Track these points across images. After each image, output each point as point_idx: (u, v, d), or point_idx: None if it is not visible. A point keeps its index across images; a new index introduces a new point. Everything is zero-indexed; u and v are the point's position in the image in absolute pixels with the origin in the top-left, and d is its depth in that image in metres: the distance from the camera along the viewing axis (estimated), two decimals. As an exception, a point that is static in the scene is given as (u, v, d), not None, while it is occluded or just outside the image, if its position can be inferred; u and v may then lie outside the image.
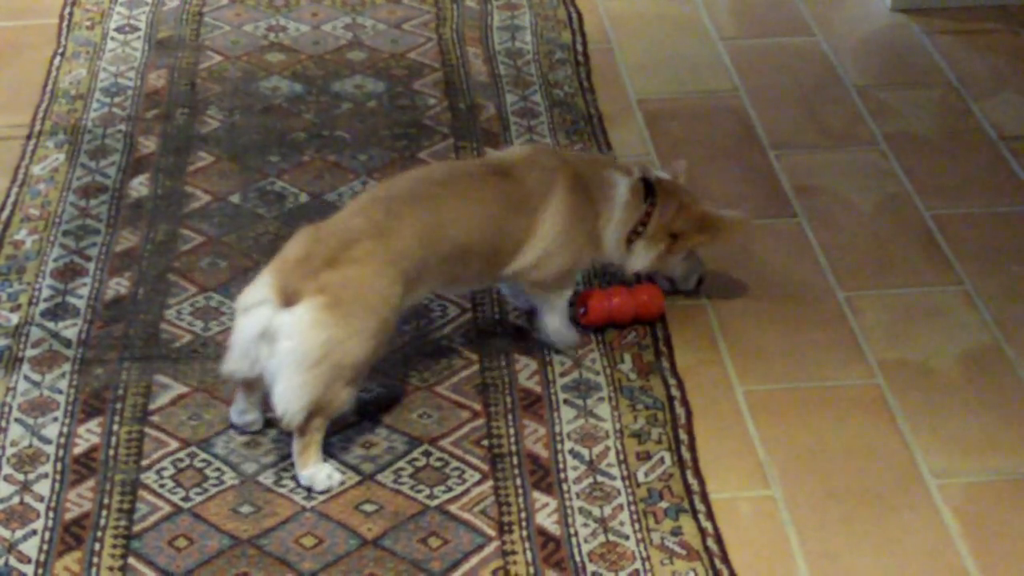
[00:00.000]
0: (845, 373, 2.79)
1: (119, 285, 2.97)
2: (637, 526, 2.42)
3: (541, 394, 2.70)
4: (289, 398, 2.41)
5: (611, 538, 2.40)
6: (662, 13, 3.98)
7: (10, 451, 2.56)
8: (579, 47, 3.81)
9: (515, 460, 2.55)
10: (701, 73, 3.75)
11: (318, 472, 2.47)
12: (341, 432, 2.60)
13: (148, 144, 3.42)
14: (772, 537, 2.42)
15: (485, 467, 2.54)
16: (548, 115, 3.55)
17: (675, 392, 2.70)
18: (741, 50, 3.82)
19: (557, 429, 2.62)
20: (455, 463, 2.55)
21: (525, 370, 2.75)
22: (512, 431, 2.61)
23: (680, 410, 2.66)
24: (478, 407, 2.67)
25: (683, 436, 2.60)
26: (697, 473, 2.53)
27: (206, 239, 3.12)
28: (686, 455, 2.57)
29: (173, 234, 3.13)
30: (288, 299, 2.41)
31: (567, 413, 2.65)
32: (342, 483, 2.50)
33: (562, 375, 2.74)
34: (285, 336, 2.40)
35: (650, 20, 3.95)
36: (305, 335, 2.40)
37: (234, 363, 2.47)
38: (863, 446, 2.62)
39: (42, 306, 2.91)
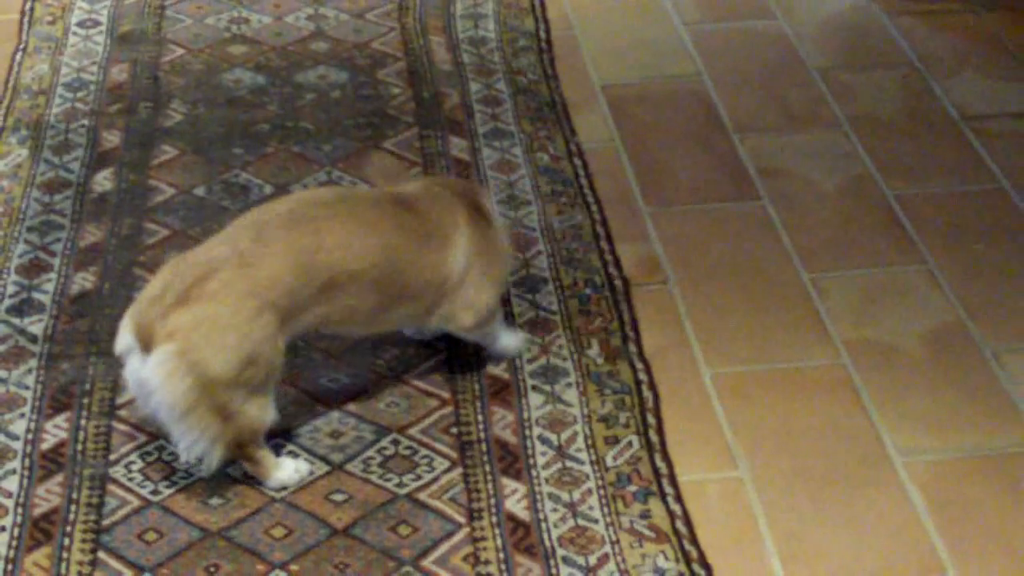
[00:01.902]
0: (810, 354, 2.81)
1: (85, 280, 2.96)
2: (606, 510, 2.43)
3: (509, 381, 2.70)
4: (189, 447, 2.37)
5: (580, 522, 2.41)
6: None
7: (-23, 448, 2.56)
8: (542, 34, 3.81)
9: (484, 447, 2.56)
10: (664, 58, 3.75)
11: (282, 473, 2.47)
12: (308, 423, 2.60)
13: (111, 138, 3.40)
14: (740, 518, 2.44)
15: (454, 454, 2.54)
16: (512, 102, 3.55)
17: (642, 376, 2.72)
18: (703, 34, 3.83)
19: (525, 415, 2.62)
20: (424, 451, 2.55)
21: (493, 356, 2.76)
22: (480, 418, 2.62)
23: (647, 394, 2.68)
24: (446, 395, 2.67)
25: (651, 420, 2.62)
26: (665, 456, 2.54)
27: (171, 232, 3.11)
28: (654, 438, 2.58)
29: (138, 228, 3.12)
30: (146, 344, 2.31)
31: (535, 399, 2.66)
32: (311, 472, 2.50)
33: (530, 361, 2.75)
34: (152, 389, 2.31)
35: (612, 6, 3.96)
36: (166, 388, 2.30)
37: (141, 410, 2.45)
38: (829, 426, 2.64)
39: (7, 302, 2.89)
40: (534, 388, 2.69)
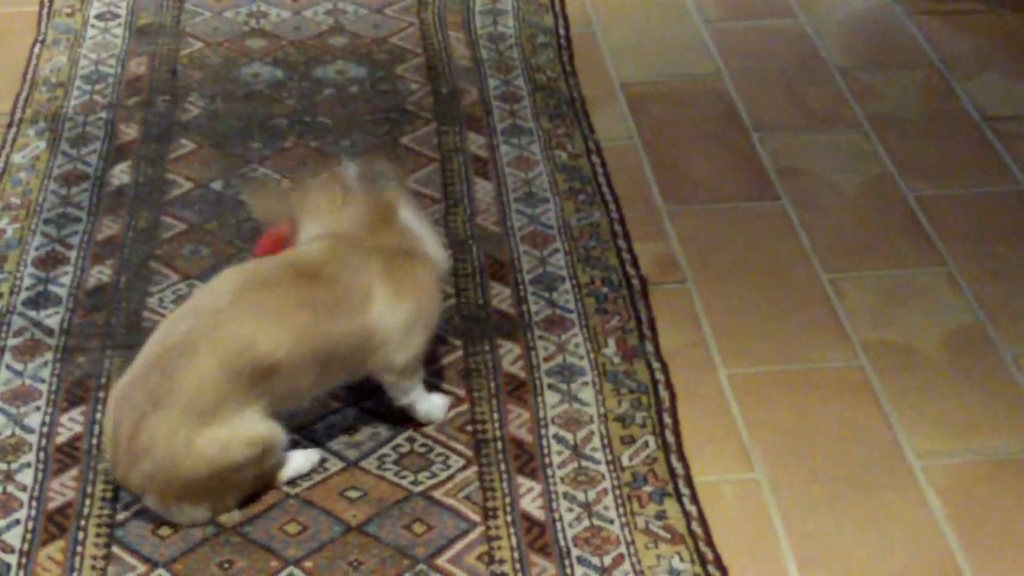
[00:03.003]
0: (829, 355, 2.79)
1: (101, 273, 2.96)
2: (622, 510, 2.42)
3: (525, 379, 2.69)
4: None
5: (596, 522, 2.40)
6: (644, -4, 3.99)
7: (-8, 441, 2.56)
8: (561, 31, 3.80)
9: (499, 445, 2.55)
10: (684, 56, 3.74)
11: (288, 469, 2.47)
12: (324, 419, 2.60)
13: (129, 131, 3.40)
14: (756, 520, 2.43)
15: (469, 453, 2.53)
16: (531, 99, 3.53)
17: (659, 376, 2.70)
18: (724, 32, 3.82)
19: (541, 414, 2.61)
20: (439, 449, 2.54)
21: (509, 355, 2.75)
22: (496, 416, 2.61)
23: (664, 394, 2.66)
24: (462, 393, 2.66)
25: (667, 420, 2.60)
26: (681, 457, 2.53)
27: (188, 227, 3.10)
28: (670, 439, 2.57)
29: (155, 222, 3.12)
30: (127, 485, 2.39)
31: (551, 398, 2.65)
32: (323, 462, 2.49)
33: (546, 360, 2.74)
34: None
35: (633, 3, 3.94)
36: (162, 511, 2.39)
37: None
38: (847, 428, 2.62)
39: (23, 295, 2.89)
40: (550, 387, 2.67)
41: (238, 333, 2.35)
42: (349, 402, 2.63)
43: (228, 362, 2.32)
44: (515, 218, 3.12)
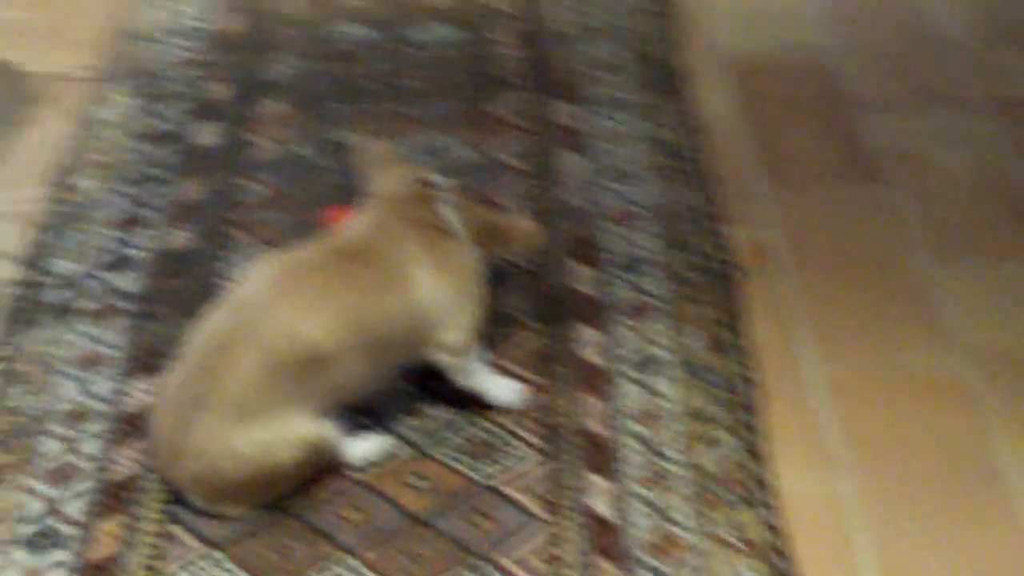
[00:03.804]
0: (928, 357, 2.63)
1: (180, 237, 2.91)
2: (695, 515, 2.31)
3: (603, 368, 2.58)
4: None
5: (667, 527, 2.29)
6: (756, -37, 3.81)
7: (60, 407, 2.52)
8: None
9: (572, 438, 2.45)
10: (798, 28, 3.57)
11: (356, 454, 2.40)
12: (395, 403, 2.52)
13: (218, 90, 3.34)
14: (838, 534, 2.30)
15: (541, 445, 2.44)
16: (630, 68, 3.40)
17: (745, 372, 2.58)
18: (845, 4, 3.63)
19: (618, 406, 2.50)
20: (511, 440, 2.45)
21: (588, 342, 2.64)
22: (571, 407, 2.51)
23: (750, 392, 2.54)
24: (539, 380, 2.57)
25: (751, 421, 2.48)
26: (762, 461, 2.41)
27: (271, 192, 3.04)
28: (752, 440, 2.44)
29: (237, 185, 3.06)
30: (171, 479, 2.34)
31: (629, 390, 2.54)
32: (392, 447, 2.42)
33: (628, 349, 2.62)
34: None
35: (743, -30, 3.78)
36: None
37: None
38: (944, 439, 2.46)
39: (103, 257, 2.86)
40: (629, 378, 2.56)
41: (279, 325, 2.26)
42: (425, 388, 2.55)
43: (270, 357, 2.24)
44: (604, 195, 3.01)
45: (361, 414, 2.45)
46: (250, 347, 2.25)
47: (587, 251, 2.85)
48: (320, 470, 2.35)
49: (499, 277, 2.78)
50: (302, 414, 2.30)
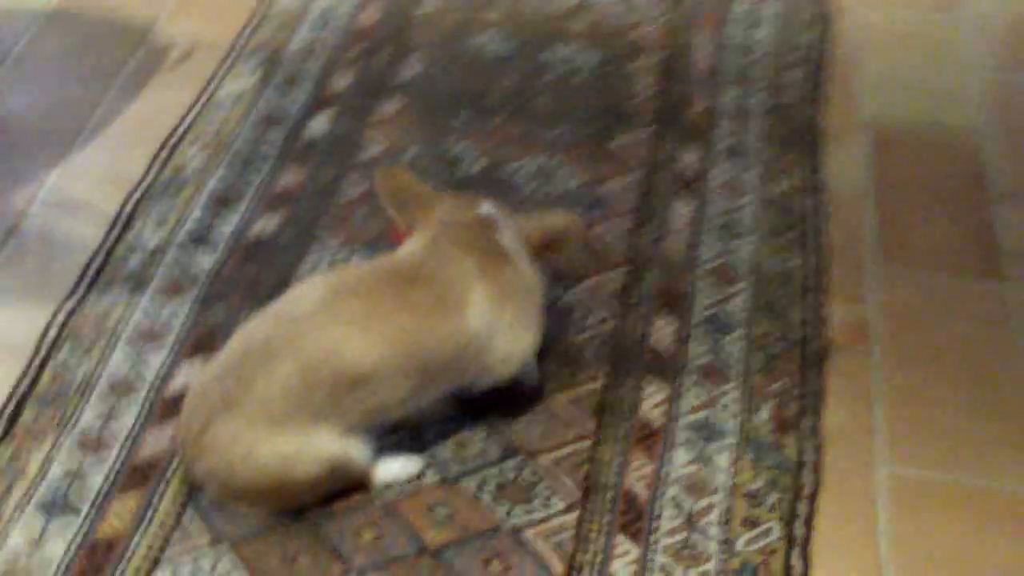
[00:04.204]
0: (1014, 477, 2.43)
1: (268, 223, 2.89)
2: (718, 600, 2.17)
3: (661, 427, 2.46)
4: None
5: (685, 607, 2.16)
6: (920, 32, 3.60)
7: (107, 375, 2.51)
8: (818, 53, 3.49)
9: (610, 495, 2.33)
10: (945, 103, 3.36)
11: (383, 474, 2.33)
12: (439, 425, 2.44)
13: (341, 82, 3.32)
14: (869, 648, 2.13)
15: (576, 494, 2.33)
16: (763, 120, 3.26)
17: (808, 457, 2.42)
18: (997, 85, 3.41)
19: (665, 471, 2.38)
20: (546, 483, 2.35)
21: (651, 398, 2.51)
22: (617, 462, 2.39)
23: (808, 478, 2.38)
24: (591, 426, 2.45)
25: (802, 509, 2.32)
26: (804, 555, 2.25)
27: (368, 191, 3.00)
28: (799, 532, 2.29)
29: (338, 180, 3.03)
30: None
31: (682, 455, 2.41)
32: (421, 473, 2.35)
33: (690, 412, 2.49)
34: None
35: (904, 37, 3.58)
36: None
37: None
38: (1016, 571, 2.27)
39: (188, 228, 2.85)
40: (686, 442, 2.43)
41: (321, 341, 2.21)
42: (467, 413, 2.47)
43: (307, 371, 2.19)
44: (705, 249, 2.87)
45: (397, 431, 2.38)
46: (289, 358, 2.20)
47: (674, 304, 2.72)
48: (342, 488, 2.29)
49: (573, 313, 2.68)
50: (331, 431, 2.24)
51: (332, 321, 2.23)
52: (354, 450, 2.27)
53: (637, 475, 2.37)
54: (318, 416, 2.22)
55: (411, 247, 2.38)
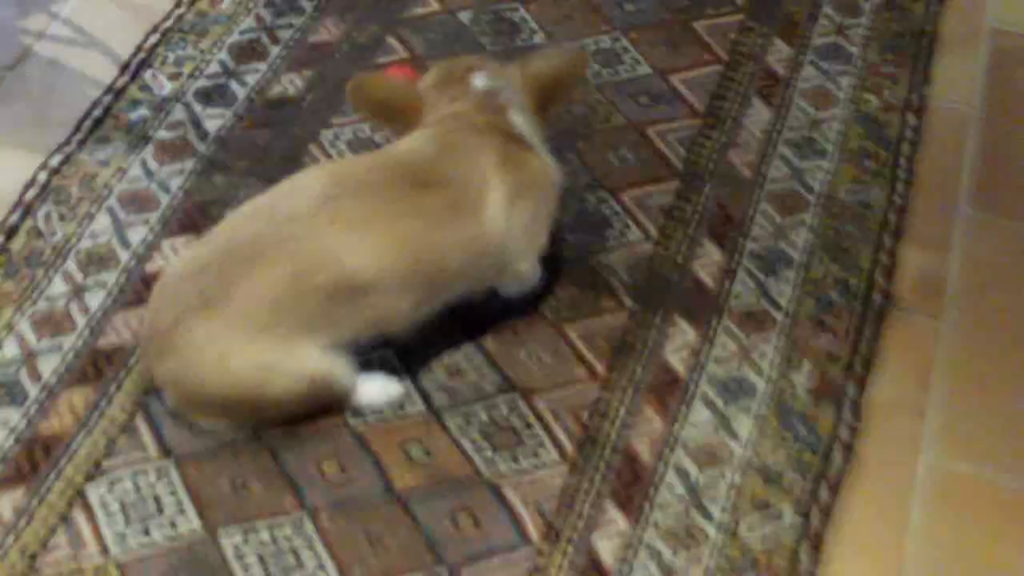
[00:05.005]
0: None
1: (292, 83, 2.61)
2: (706, 596, 1.92)
3: (681, 377, 2.17)
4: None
5: (666, 601, 1.91)
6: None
7: (84, 244, 2.29)
8: (948, -60, 3.05)
9: (607, 452, 2.06)
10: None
11: (359, 395, 2.08)
12: (434, 346, 2.18)
13: (402, -76, 2.98)
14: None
15: (569, 448, 2.07)
16: (870, 18, 2.85)
17: (843, 434, 2.12)
18: None
19: (675, 430, 2.10)
20: (539, 430, 2.09)
21: (676, 339, 2.22)
22: (622, 412, 2.12)
23: (837, 460, 2.08)
24: (600, 367, 2.18)
25: (823, 495, 2.04)
26: (816, 548, 1.97)
27: (410, 54, 2.69)
28: (814, 520, 2.01)
29: (379, 39, 2.72)
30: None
31: (698, 413, 2.12)
32: (401, 396, 2.10)
33: (717, 361, 2.20)
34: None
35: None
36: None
37: None
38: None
39: (200, 82, 2.59)
40: (704, 399, 2.15)
41: (318, 245, 1.95)
42: (469, 334, 2.20)
43: (300, 278, 1.94)
44: (774, 165, 2.53)
45: (384, 347, 2.13)
46: (280, 261, 1.95)
47: (726, 230, 2.40)
48: (318, 409, 2.06)
49: (608, 227, 2.38)
50: (316, 344, 1.99)
51: (331, 223, 1.98)
52: (339, 368, 2.03)
53: (643, 432, 2.09)
54: (305, 327, 1.98)
55: (416, 143, 2.11)
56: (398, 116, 2.14)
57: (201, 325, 1.95)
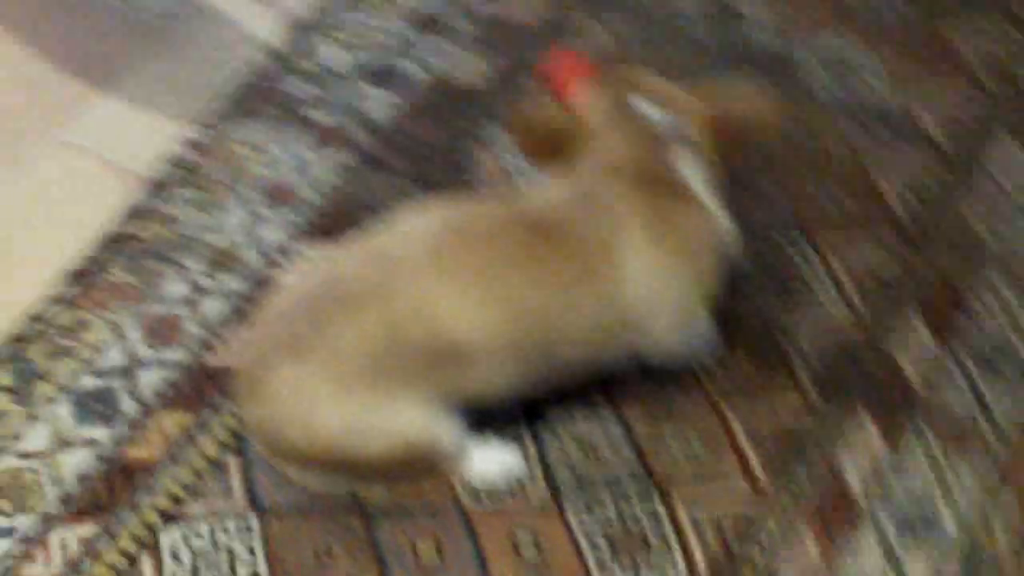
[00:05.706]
0: None
1: (472, 67, 2.32)
2: None
3: (855, 497, 1.82)
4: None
5: None
6: None
7: (213, 239, 2.07)
8: None
9: (747, 581, 1.76)
10: None
11: (471, 467, 1.83)
12: (569, 409, 1.90)
13: None
14: None
15: (703, 568, 1.76)
16: None
17: (1041, 601, 1.75)
18: None
19: (835, 565, 1.76)
20: (671, 538, 1.79)
21: (858, 445, 1.86)
22: (775, 533, 1.79)
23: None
24: (758, 469, 1.84)
25: None
26: None
27: (617, 40, 2.37)
28: None
29: (582, 19, 2.40)
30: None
31: (867, 550, 1.77)
32: (520, 473, 1.84)
33: (903, 481, 1.84)
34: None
35: None
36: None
37: None
38: None
39: (370, 59, 2.32)
40: (878, 528, 1.79)
41: (419, 298, 1.70)
42: (618, 408, 1.91)
43: (395, 328, 1.69)
44: (1013, 227, 2.11)
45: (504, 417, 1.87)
46: (376, 310, 1.70)
47: (944, 309, 2.02)
48: (422, 473, 1.82)
49: (803, 280, 2.03)
50: (415, 403, 1.75)
51: (435, 276, 1.72)
52: (443, 430, 1.78)
53: (796, 562, 1.76)
54: (401, 383, 1.73)
55: (553, 192, 1.80)
56: (559, 156, 1.83)
57: (289, 372, 1.73)
